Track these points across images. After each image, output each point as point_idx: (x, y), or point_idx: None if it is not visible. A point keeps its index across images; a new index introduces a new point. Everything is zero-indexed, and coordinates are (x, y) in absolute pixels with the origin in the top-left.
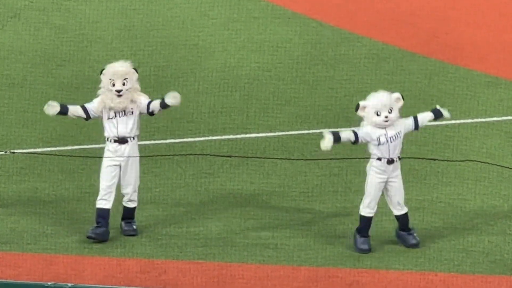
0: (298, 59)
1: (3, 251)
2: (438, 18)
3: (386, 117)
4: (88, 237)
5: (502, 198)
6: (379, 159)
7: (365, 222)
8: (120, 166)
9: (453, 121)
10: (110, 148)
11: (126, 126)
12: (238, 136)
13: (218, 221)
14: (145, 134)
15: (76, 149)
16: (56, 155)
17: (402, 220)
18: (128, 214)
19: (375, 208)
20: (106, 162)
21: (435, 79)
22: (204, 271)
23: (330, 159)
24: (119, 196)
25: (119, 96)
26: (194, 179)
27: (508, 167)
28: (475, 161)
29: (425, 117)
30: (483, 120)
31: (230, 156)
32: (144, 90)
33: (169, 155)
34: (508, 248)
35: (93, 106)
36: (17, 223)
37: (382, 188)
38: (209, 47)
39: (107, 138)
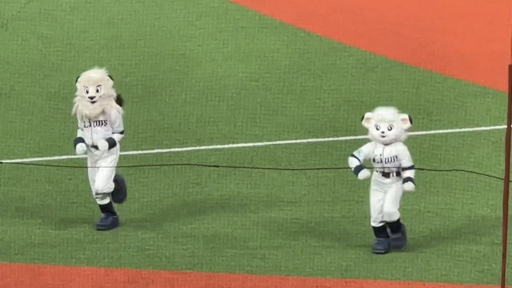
0: (285, 68)
1: None
2: (425, 28)
3: (383, 132)
4: (98, 229)
5: (489, 208)
6: (377, 171)
7: (374, 230)
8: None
9: (440, 131)
10: (88, 154)
11: (100, 135)
12: (226, 146)
13: (205, 231)
14: (132, 144)
15: (63, 159)
16: (44, 165)
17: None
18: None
19: (380, 219)
20: (88, 166)
21: (423, 88)
22: (191, 281)
23: (317, 169)
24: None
25: (93, 102)
26: (181, 189)
27: (496, 177)
28: (462, 170)
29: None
30: (470, 129)
31: (217, 166)
32: (131, 100)
33: (156, 165)
34: (496, 257)
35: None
36: (4, 233)
37: (380, 198)
38: (196, 57)
39: (86, 144)
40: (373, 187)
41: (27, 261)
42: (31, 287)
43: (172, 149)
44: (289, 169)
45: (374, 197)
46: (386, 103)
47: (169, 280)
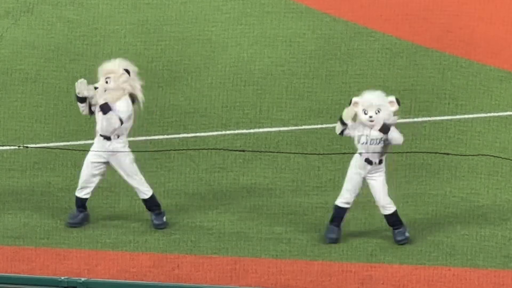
0: (311, 53)
1: (17, 246)
2: (451, 13)
3: (371, 117)
4: (69, 226)
5: None
6: (360, 153)
7: (335, 211)
8: (107, 162)
9: (466, 116)
10: (97, 141)
11: (103, 124)
12: (251, 130)
13: (231, 216)
14: (158, 128)
15: (89, 144)
16: (69, 149)
17: (388, 219)
18: (148, 205)
19: (349, 200)
20: (90, 157)
21: (448, 73)
22: (217, 266)
23: (343, 153)
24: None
25: (105, 90)
26: (207, 174)
27: None
28: (488, 155)
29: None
30: (496, 114)
31: (243, 151)
32: (157, 84)
33: (182, 150)
34: None
35: None
36: (30, 217)
37: (358, 182)
38: (222, 41)
39: (96, 131)
40: (353, 169)
41: (52, 245)
42: (57, 271)
43: (198, 134)
44: (315, 154)
45: (351, 180)
46: (412, 88)
47: (195, 264)
